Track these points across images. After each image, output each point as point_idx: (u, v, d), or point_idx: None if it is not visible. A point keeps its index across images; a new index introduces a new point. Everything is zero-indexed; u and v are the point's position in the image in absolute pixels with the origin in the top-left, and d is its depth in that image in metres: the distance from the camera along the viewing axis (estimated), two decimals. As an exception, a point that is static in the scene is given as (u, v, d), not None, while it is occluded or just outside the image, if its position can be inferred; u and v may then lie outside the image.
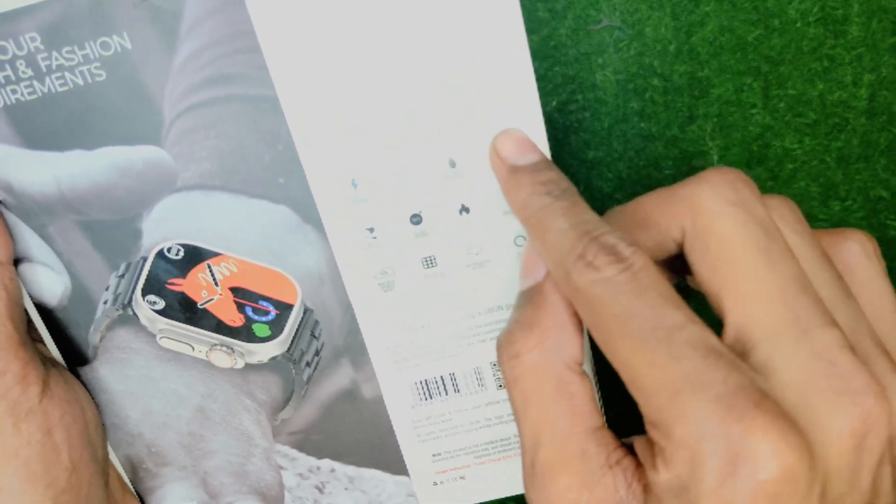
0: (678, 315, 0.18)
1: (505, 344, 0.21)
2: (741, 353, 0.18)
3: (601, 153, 0.31)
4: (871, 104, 0.31)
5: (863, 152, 0.31)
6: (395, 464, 0.29)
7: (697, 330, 0.18)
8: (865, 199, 0.32)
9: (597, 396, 0.21)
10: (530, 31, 0.29)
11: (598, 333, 0.19)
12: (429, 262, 0.26)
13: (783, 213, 0.20)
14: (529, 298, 0.21)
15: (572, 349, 0.20)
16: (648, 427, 0.19)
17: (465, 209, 0.26)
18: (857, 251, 0.21)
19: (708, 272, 0.19)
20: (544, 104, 0.30)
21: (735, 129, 0.31)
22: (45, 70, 0.24)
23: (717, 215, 0.19)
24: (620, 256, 0.19)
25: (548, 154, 0.25)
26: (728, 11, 0.29)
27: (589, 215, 0.20)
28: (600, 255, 0.19)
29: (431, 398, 0.28)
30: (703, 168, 0.31)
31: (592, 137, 0.31)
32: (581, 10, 0.29)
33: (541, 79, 0.30)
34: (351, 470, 0.29)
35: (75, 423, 0.25)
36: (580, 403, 0.20)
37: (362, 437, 0.29)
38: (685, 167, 0.32)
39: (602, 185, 0.32)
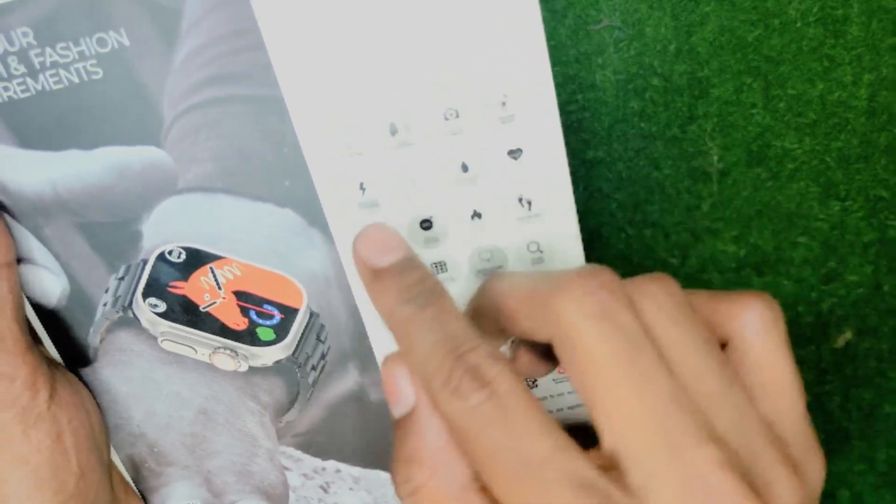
0: (545, 444, 0.18)
1: (400, 482, 0.20)
2: (616, 474, 0.18)
3: (601, 153, 0.31)
4: (871, 104, 0.31)
5: (863, 152, 0.31)
6: None
7: (565, 462, 0.17)
8: (865, 199, 0.32)
9: None
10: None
11: (473, 464, 0.19)
12: (439, 268, 0.26)
13: (661, 301, 0.19)
14: (408, 428, 0.21)
15: (465, 471, 0.20)
16: None
17: (476, 214, 0.25)
18: (753, 323, 0.20)
19: (578, 386, 0.19)
20: (544, 104, 0.30)
21: (735, 129, 0.31)
22: (38, 67, 0.23)
23: (579, 330, 0.18)
24: (484, 380, 0.18)
25: (567, 176, 0.24)
26: (728, 11, 0.29)
27: (455, 325, 0.20)
28: (465, 379, 0.18)
29: None
30: (703, 168, 0.31)
31: (592, 137, 0.31)
32: (581, 10, 0.29)
33: (541, 79, 0.30)
34: (356, 471, 0.29)
35: (82, 427, 0.25)
36: None
37: (368, 440, 0.28)
38: (685, 167, 0.32)
39: (602, 185, 0.32)
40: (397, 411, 0.21)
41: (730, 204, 0.32)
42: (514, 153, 0.24)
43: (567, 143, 0.31)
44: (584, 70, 0.30)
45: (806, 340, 0.35)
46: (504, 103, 0.24)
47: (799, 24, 0.30)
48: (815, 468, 0.20)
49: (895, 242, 0.33)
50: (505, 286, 0.21)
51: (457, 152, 0.24)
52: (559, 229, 0.25)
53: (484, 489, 0.20)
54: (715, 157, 0.31)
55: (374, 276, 0.21)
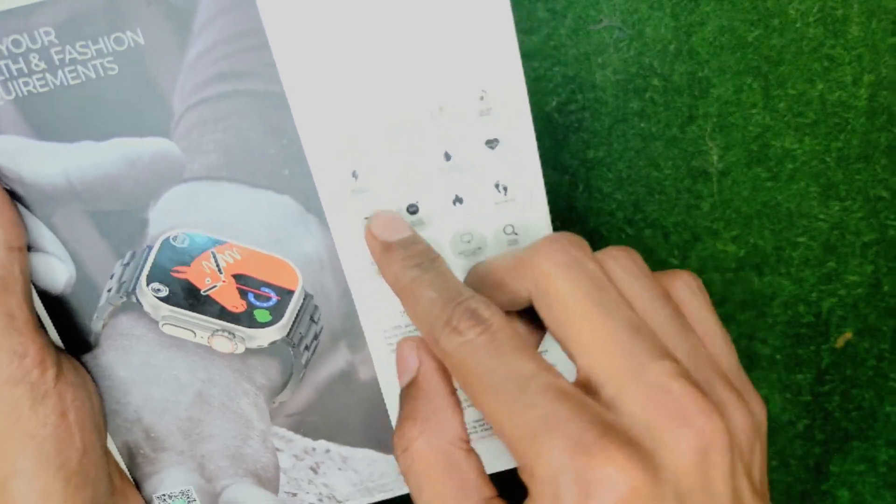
0: (530, 365, 0.21)
1: (396, 440, 0.24)
2: (592, 394, 0.21)
3: (601, 153, 0.31)
4: (871, 104, 0.31)
5: (863, 152, 0.31)
6: (387, 443, 0.31)
7: (548, 377, 0.21)
8: (865, 199, 0.32)
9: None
10: (530, 31, 0.29)
11: (468, 391, 0.22)
12: None
13: (624, 263, 0.23)
14: (410, 392, 0.24)
15: (454, 429, 0.23)
16: (519, 472, 0.21)
17: (458, 200, 0.28)
18: (683, 288, 0.24)
19: (554, 326, 0.22)
20: (544, 104, 0.30)
21: (735, 129, 0.31)
22: (57, 63, 0.25)
23: (552, 277, 0.22)
24: (480, 319, 0.22)
25: (538, 164, 0.27)
26: (728, 11, 0.29)
27: (454, 283, 0.24)
28: (463, 319, 0.22)
29: None
30: (703, 168, 0.31)
31: (592, 137, 0.31)
32: (581, 10, 0.29)
33: (541, 79, 0.30)
34: (345, 450, 0.31)
35: (84, 406, 0.27)
36: (469, 478, 0.23)
37: (357, 418, 0.31)
38: (685, 167, 0.31)
39: (602, 185, 0.32)
40: (404, 380, 0.24)
41: (730, 204, 0.32)
42: (492, 143, 0.27)
43: (567, 143, 0.31)
44: (584, 70, 0.30)
45: (806, 340, 0.35)
46: (482, 98, 0.26)
47: (799, 24, 0.30)
48: (758, 406, 0.23)
49: (895, 242, 0.33)
50: (491, 263, 0.25)
51: (440, 142, 0.27)
52: (531, 212, 0.28)
53: (470, 450, 0.23)
54: (715, 157, 0.31)
55: (385, 249, 0.26)
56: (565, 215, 0.33)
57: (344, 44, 0.26)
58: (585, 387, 0.21)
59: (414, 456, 0.23)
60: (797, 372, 0.36)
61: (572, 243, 0.22)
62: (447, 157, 0.27)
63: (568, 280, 0.22)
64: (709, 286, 0.34)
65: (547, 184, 0.30)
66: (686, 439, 0.19)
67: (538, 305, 0.22)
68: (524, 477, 0.21)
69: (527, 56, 0.30)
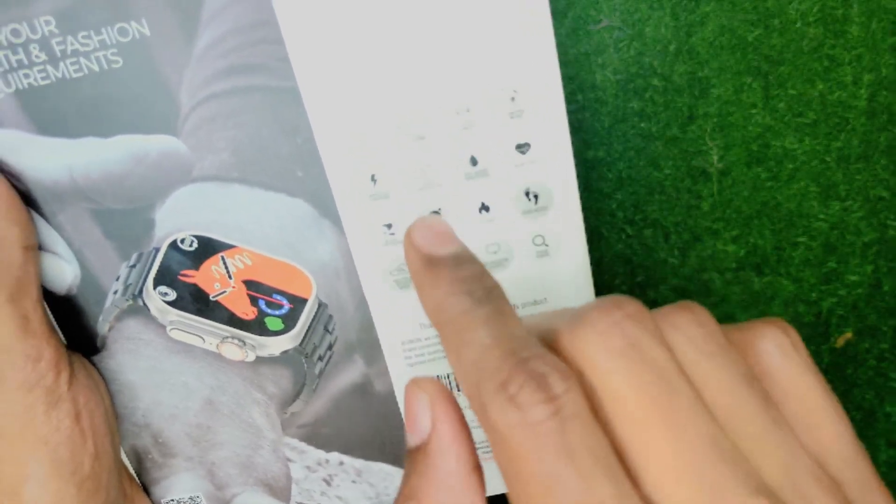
0: (609, 490, 0.15)
1: None
2: None
3: (601, 153, 0.31)
4: (871, 104, 0.30)
5: (863, 152, 0.31)
6: (403, 458, 0.29)
7: None
8: (865, 199, 0.32)
9: None
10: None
11: (513, 488, 0.16)
12: None
13: (692, 335, 0.17)
14: (417, 463, 0.19)
15: None
16: None
17: (485, 207, 0.25)
18: (772, 352, 0.18)
19: (610, 430, 0.16)
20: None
21: (735, 129, 0.31)
22: (59, 55, 0.23)
23: (605, 372, 0.16)
24: (551, 394, 0.15)
25: (573, 172, 0.25)
26: (728, 11, 0.29)
27: (516, 328, 0.17)
28: (527, 387, 0.15)
29: None
30: (703, 168, 0.31)
31: (592, 137, 0.30)
32: (581, 10, 0.29)
33: (541, 78, 0.30)
34: (359, 463, 0.29)
35: (98, 410, 0.26)
36: None
37: (372, 431, 0.29)
38: (685, 167, 0.31)
39: (602, 185, 0.31)
40: (412, 440, 0.19)
41: (730, 204, 0.32)
42: (522, 147, 0.25)
43: (567, 143, 0.31)
44: (584, 70, 0.29)
45: (806, 340, 0.35)
46: (513, 98, 0.24)
47: (799, 24, 0.29)
48: None
49: (895, 242, 0.32)
50: (525, 325, 0.19)
51: (466, 146, 0.25)
52: (564, 223, 0.26)
53: None
54: (715, 157, 0.31)
55: (428, 264, 0.19)
56: (565, 215, 0.33)
57: (363, 38, 0.23)
58: None
59: None
60: (797, 372, 0.36)
61: (630, 317, 0.16)
62: (473, 161, 0.25)
63: (627, 377, 0.16)
64: (709, 286, 0.34)
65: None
66: None
67: (591, 394, 0.16)
68: None
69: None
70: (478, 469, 0.19)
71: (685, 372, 0.16)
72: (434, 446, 0.18)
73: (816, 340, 0.35)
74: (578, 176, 0.31)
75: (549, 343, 0.17)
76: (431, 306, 0.19)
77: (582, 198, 0.32)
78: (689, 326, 0.17)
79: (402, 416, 0.28)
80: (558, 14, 0.29)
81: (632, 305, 0.17)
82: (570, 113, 0.30)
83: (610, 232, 0.32)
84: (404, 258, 0.20)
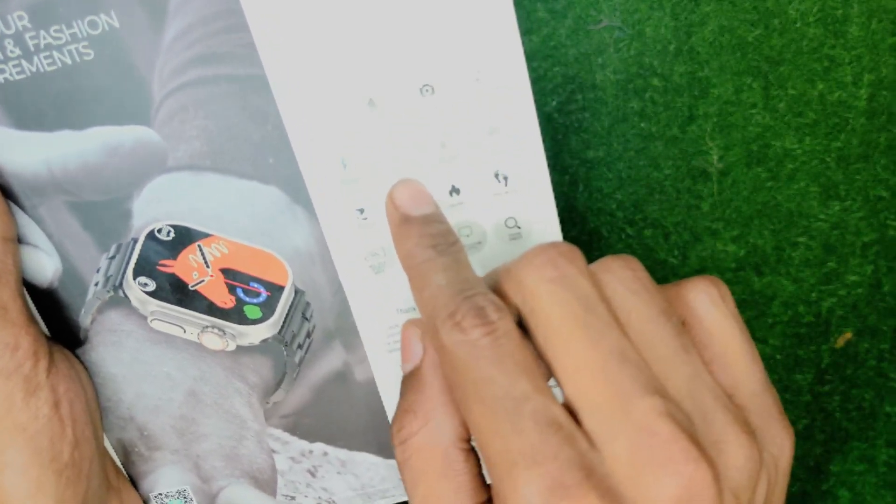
0: (527, 385, 0.19)
1: (395, 430, 0.22)
2: (577, 424, 0.19)
3: (601, 153, 0.31)
4: (871, 104, 0.30)
5: (863, 152, 0.31)
6: (387, 447, 0.29)
7: (542, 402, 0.19)
8: (865, 199, 0.32)
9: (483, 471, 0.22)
10: (530, 31, 0.29)
11: (457, 393, 0.20)
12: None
13: (621, 276, 0.21)
14: (412, 383, 0.22)
15: (456, 427, 0.21)
16: (493, 495, 0.20)
17: (455, 190, 0.25)
18: (702, 300, 0.21)
19: (541, 348, 0.20)
20: (544, 104, 0.30)
21: (735, 129, 0.30)
22: (32, 49, 0.23)
23: (538, 295, 0.20)
24: (487, 320, 0.19)
25: (542, 153, 0.25)
26: (728, 11, 0.29)
27: (467, 274, 0.21)
28: (469, 316, 0.20)
29: None
30: (703, 168, 0.31)
31: (592, 137, 0.30)
32: (581, 10, 0.28)
33: (541, 79, 0.30)
34: (343, 454, 0.29)
35: (78, 399, 0.26)
36: (464, 480, 0.21)
37: (354, 420, 0.28)
38: (685, 167, 0.31)
39: (602, 185, 0.31)
40: (406, 367, 0.23)
41: (730, 204, 0.32)
42: (491, 130, 0.25)
43: (567, 143, 0.30)
44: (584, 70, 0.29)
45: (806, 340, 0.35)
46: (479, 80, 0.24)
47: (799, 24, 0.29)
48: (778, 437, 0.21)
49: (895, 242, 0.32)
50: (484, 276, 0.22)
51: (435, 129, 0.25)
52: (535, 205, 0.26)
53: (469, 450, 0.21)
54: (715, 157, 0.31)
55: (403, 221, 0.23)
56: (565, 215, 0.32)
57: (328, 23, 0.23)
58: (570, 414, 0.19)
59: (411, 451, 0.21)
60: (797, 372, 0.36)
61: (562, 255, 0.20)
62: (442, 145, 0.25)
63: (554, 299, 0.19)
64: (709, 286, 0.34)
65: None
66: (670, 490, 0.18)
67: (526, 324, 0.20)
68: (496, 500, 0.19)
69: (527, 56, 0.29)
70: None
71: (606, 300, 0.20)
72: (426, 367, 0.22)
73: (816, 340, 0.35)
74: (579, 176, 0.31)
75: (495, 284, 0.21)
76: (403, 255, 0.23)
77: (582, 198, 0.32)
78: (619, 270, 0.21)
79: (384, 404, 0.28)
80: (558, 14, 0.29)
81: (565, 246, 0.20)
82: (570, 113, 0.30)
83: (610, 232, 0.32)
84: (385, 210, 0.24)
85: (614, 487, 0.18)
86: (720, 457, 0.19)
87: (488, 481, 0.21)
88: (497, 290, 0.21)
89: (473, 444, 0.22)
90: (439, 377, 0.22)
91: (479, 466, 0.21)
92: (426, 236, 0.22)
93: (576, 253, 0.20)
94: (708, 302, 0.21)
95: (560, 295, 0.19)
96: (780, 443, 0.21)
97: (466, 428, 0.21)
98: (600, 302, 0.20)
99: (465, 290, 0.20)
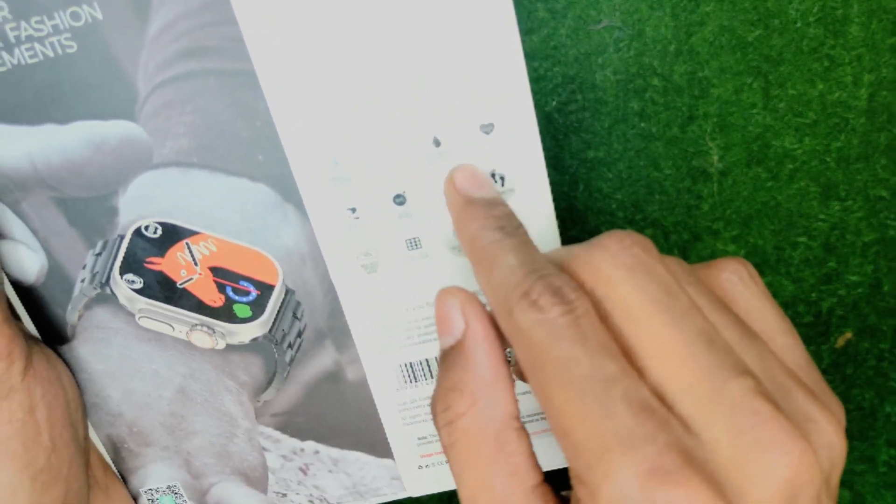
0: (614, 367, 0.18)
1: (439, 410, 0.20)
2: (667, 408, 0.18)
3: (601, 153, 0.30)
4: (871, 104, 0.30)
5: (863, 152, 0.31)
6: (379, 447, 0.28)
7: (632, 384, 0.17)
8: (865, 199, 0.31)
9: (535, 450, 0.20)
10: (530, 31, 0.29)
11: (534, 377, 0.18)
12: (413, 244, 0.25)
13: (675, 270, 0.20)
14: (454, 359, 0.20)
15: (506, 406, 0.20)
16: (575, 483, 0.18)
17: None
18: (733, 281, 0.21)
19: (619, 332, 0.18)
20: (544, 104, 0.30)
21: (735, 129, 0.30)
22: (13, 41, 0.22)
23: (616, 281, 0.19)
24: (565, 299, 0.18)
25: (540, 152, 0.24)
26: (728, 11, 0.29)
27: (538, 255, 0.20)
28: (545, 294, 0.18)
29: (416, 381, 0.27)
30: (703, 168, 0.31)
31: (592, 137, 0.30)
32: (581, 10, 0.28)
33: (541, 79, 0.29)
34: (335, 452, 0.28)
35: (57, 402, 0.25)
36: (517, 462, 0.20)
37: (346, 420, 0.28)
38: (685, 167, 0.31)
39: (602, 185, 0.31)
40: (446, 341, 0.21)
41: (730, 204, 0.32)
42: (486, 127, 0.24)
43: (567, 143, 0.30)
44: (584, 70, 0.29)
45: (806, 340, 0.34)
46: (475, 77, 0.23)
47: (799, 24, 0.29)
48: (836, 405, 0.20)
49: (895, 242, 0.32)
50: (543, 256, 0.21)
51: (429, 127, 0.24)
52: (533, 205, 0.25)
53: (521, 428, 0.20)
54: (715, 157, 0.31)
55: (467, 203, 0.22)
56: (565, 215, 0.32)
57: (318, 16, 0.22)
58: (658, 399, 0.18)
59: (460, 433, 0.20)
60: (797, 372, 0.36)
61: (637, 243, 0.19)
62: (436, 142, 0.24)
63: (634, 284, 0.18)
64: (709, 286, 0.34)
65: (547, 183, 0.29)
66: (778, 471, 0.17)
67: (598, 306, 0.19)
68: (581, 492, 0.17)
69: (527, 56, 0.29)
70: (507, 362, 0.21)
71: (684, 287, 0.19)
72: (470, 342, 0.20)
73: (816, 340, 0.35)
74: (579, 176, 0.31)
75: (565, 266, 0.20)
76: (468, 237, 0.22)
77: (582, 198, 0.32)
78: (674, 265, 0.20)
79: (376, 404, 0.27)
80: (558, 14, 0.29)
81: (639, 236, 0.19)
82: (570, 113, 0.30)
83: (610, 232, 0.32)
84: (444, 193, 0.23)
85: (717, 472, 0.17)
86: (810, 436, 0.18)
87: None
88: (563, 268, 0.20)
89: (524, 421, 0.21)
90: (487, 352, 0.20)
91: (531, 446, 0.20)
92: (491, 218, 0.21)
93: (648, 242, 0.19)
94: (739, 283, 0.21)
95: (640, 280, 0.18)
96: (841, 412, 0.20)
97: (517, 405, 0.20)
98: (679, 287, 0.19)
99: (538, 270, 0.19)
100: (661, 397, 0.18)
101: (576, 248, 0.20)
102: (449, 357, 0.21)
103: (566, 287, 0.18)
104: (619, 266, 0.19)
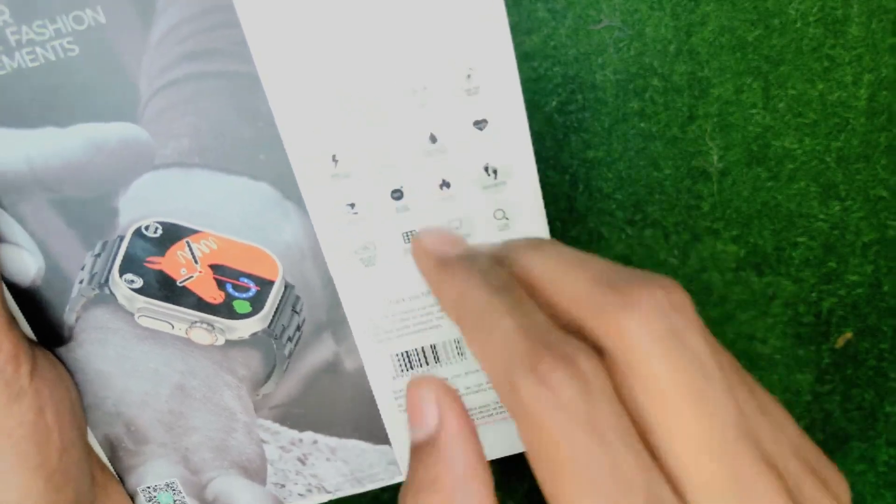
0: (633, 462, 0.16)
1: None
2: (678, 496, 0.16)
3: (601, 153, 0.30)
4: (871, 104, 0.30)
5: (863, 152, 0.31)
6: (376, 434, 0.29)
7: (655, 484, 0.16)
8: (865, 199, 0.31)
9: None
10: (530, 31, 0.29)
11: (540, 466, 0.17)
12: (410, 237, 0.26)
13: (710, 339, 0.17)
14: (427, 454, 0.19)
15: (483, 502, 0.18)
16: None
17: (445, 184, 0.25)
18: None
19: (640, 408, 0.16)
20: (544, 104, 0.30)
21: (735, 129, 0.30)
22: (14, 45, 0.22)
23: (645, 353, 0.16)
24: (579, 372, 0.16)
25: (529, 146, 0.25)
26: (728, 11, 0.28)
27: (538, 315, 0.17)
28: (557, 368, 0.16)
29: (412, 369, 0.28)
30: (703, 168, 0.31)
31: (592, 137, 0.30)
32: (581, 10, 0.28)
33: (541, 79, 0.29)
34: (333, 441, 0.29)
35: (63, 403, 0.25)
36: None
37: (344, 409, 0.28)
38: (685, 167, 0.31)
39: (602, 185, 0.31)
40: (418, 435, 0.19)
41: (730, 204, 0.31)
42: (480, 124, 0.25)
43: (567, 143, 0.30)
44: (584, 70, 0.29)
45: (806, 340, 0.34)
46: (469, 76, 0.24)
47: (799, 24, 0.29)
48: (841, 485, 0.19)
49: (895, 242, 0.32)
50: (549, 271, 0.18)
51: (425, 124, 0.24)
52: (523, 196, 0.25)
53: None
54: (715, 157, 0.31)
55: (441, 264, 0.20)
56: (565, 215, 0.32)
57: (319, 19, 0.23)
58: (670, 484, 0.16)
59: None
60: (797, 372, 0.36)
61: (675, 307, 0.16)
62: (433, 139, 0.24)
63: (667, 364, 0.16)
64: (709, 286, 0.34)
65: (547, 184, 0.29)
66: None
67: (617, 372, 0.17)
68: None
69: (527, 56, 0.29)
70: (484, 458, 0.19)
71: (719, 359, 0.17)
72: (445, 437, 0.18)
73: (816, 340, 0.34)
74: (579, 176, 0.31)
75: (585, 318, 0.17)
76: (451, 301, 0.19)
77: (582, 198, 0.32)
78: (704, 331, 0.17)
79: (374, 392, 0.28)
80: (558, 14, 0.28)
81: (676, 293, 0.17)
82: (570, 113, 0.30)
83: (610, 232, 0.32)
84: (414, 259, 0.20)
85: None
86: None
87: None
88: (580, 311, 0.17)
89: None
90: (463, 449, 0.18)
91: None
92: (475, 275, 0.18)
93: (687, 301, 0.17)
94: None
95: (675, 359, 0.16)
96: (845, 489, 0.19)
97: (490, 500, 0.19)
98: (716, 366, 0.16)
99: (543, 336, 0.17)
100: (678, 490, 0.16)
101: (600, 295, 0.17)
102: (422, 451, 0.19)
103: (580, 356, 0.16)
104: (652, 336, 0.16)
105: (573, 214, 0.32)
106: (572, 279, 0.18)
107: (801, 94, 0.30)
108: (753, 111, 0.30)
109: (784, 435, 0.18)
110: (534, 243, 0.19)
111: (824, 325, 0.34)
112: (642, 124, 0.30)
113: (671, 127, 0.30)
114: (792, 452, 0.18)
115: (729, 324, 0.34)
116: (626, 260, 0.32)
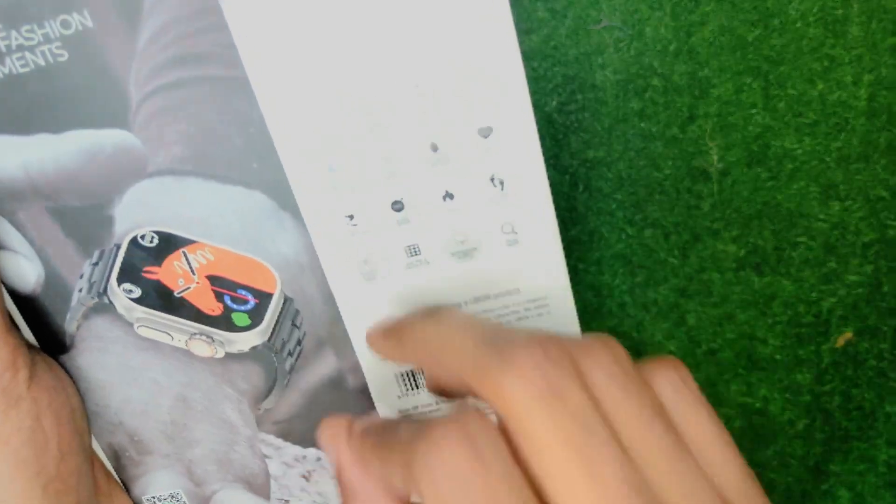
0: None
1: None
2: None
3: (601, 153, 0.30)
4: (871, 104, 0.30)
5: (863, 152, 0.31)
6: None
7: None
8: (865, 199, 0.31)
9: None
10: (530, 31, 0.29)
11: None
12: (412, 251, 0.25)
13: (610, 371, 0.18)
14: (339, 481, 0.21)
15: None
16: None
17: (448, 195, 0.24)
18: (666, 386, 0.19)
19: (530, 467, 0.17)
20: (544, 104, 0.29)
21: (735, 129, 0.30)
22: (4, 50, 0.22)
23: (524, 415, 0.16)
24: (473, 443, 0.17)
25: (540, 156, 0.23)
26: (728, 11, 0.28)
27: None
28: (448, 434, 0.17)
29: (418, 388, 0.27)
30: (703, 168, 0.30)
31: (592, 137, 0.30)
32: (581, 10, 0.28)
33: (541, 79, 0.29)
34: None
35: (63, 410, 0.24)
36: None
37: None
38: (685, 167, 0.31)
39: (602, 185, 0.31)
40: (331, 468, 0.21)
41: (730, 204, 0.31)
42: (485, 131, 0.23)
43: (567, 143, 0.30)
44: (584, 70, 0.29)
45: (806, 340, 0.34)
46: (473, 81, 0.22)
47: (799, 24, 0.29)
48: None
49: (895, 242, 0.32)
50: (440, 339, 0.19)
51: (426, 132, 0.23)
52: (533, 210, 0.24)
53: None
54: (715, 157, 0.31)
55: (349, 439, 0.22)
56: (565, 215, 0.32)
57: (312, 21, 0.22)
58: None
59: None
60: (797, 372, 0.36)
61: (551, 361, 0.17)
62: (434, 147, 0.23)
63: (546, 421, 0.16)
64: (709, 286, 0.34)
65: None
66: None
67: (508, 434, 0.17)
68: None
69: (527, 56, 0.29)
70: (382, 480, 0.20)
71: (603, 410, 0.17)
72: (342, 473, 0.20)
73: (816, 340, 0.34)
74: (579, 176, 0.31)
75: (475, 387, 0.17)
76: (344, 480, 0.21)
77: (582, 198, 0.32)
78: (607, 362, 0.18)
79: (378, 411, 0.27)
80: (558, 14, 0.28)
81: (556, 349, 0.17)
82: (570, 113, 0.30)
83: (610, 232, 0.32)
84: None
85: None
86: None
87: None
88: (469, 377, 0.18)
89: None
90: (354, 479, 0.20)
91: None
92: (356, 436, 0.21)
93: (564, 356, 0.17)
94: (672, 389, 0.19)
95: (552, 415, 0.16)
96: None
97: None
98: (598, 419, 0.17)
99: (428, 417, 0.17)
100: None
101: (483, 357, 0.17)
102: (337, 478, 0.21)
103: (469, 419, 0.17)
104: (529, 394, 0.16)
105: (573, 214, 0.32)
106: (459, 345, 0.18)
107: (801, 94, 0.30)
108: (753, 111, 0.30)
109: (703, 482, 0.17)
110: (430, 311, 0.20)
111: (824, 325, 0.34)
112: (642, 124, 0.30)
113: (671, 127, 0.30)
114: (708, 494, 0.17)
115: (729, 324, 0.34)
116: (626, 260, 0.32)
